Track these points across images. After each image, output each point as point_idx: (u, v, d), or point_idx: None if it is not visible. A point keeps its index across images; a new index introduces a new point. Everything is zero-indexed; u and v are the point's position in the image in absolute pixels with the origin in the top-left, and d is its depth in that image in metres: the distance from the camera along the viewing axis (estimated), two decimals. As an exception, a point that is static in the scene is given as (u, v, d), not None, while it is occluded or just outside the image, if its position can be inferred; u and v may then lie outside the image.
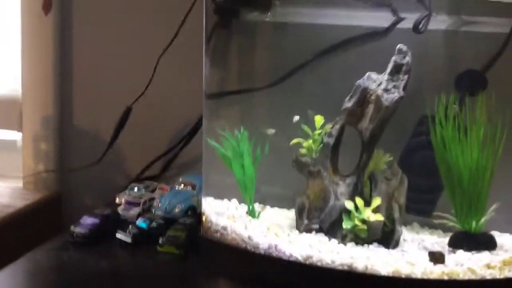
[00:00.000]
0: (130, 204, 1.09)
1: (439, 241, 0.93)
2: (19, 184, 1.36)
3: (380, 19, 1.01)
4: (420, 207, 1.00)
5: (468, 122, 0.87)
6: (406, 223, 1.02)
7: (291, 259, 0.82)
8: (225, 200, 1.06)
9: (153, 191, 1.19)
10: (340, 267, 0.80)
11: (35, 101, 1.32)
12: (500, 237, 0.96)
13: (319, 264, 0.80)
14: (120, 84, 1.28)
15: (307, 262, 0.81)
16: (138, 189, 1.18)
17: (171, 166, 1.29)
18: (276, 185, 1.07)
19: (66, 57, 1.33)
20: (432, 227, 1.00)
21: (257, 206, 1.06)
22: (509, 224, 0.96)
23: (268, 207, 1.07)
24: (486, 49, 0.98)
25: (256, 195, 1.07)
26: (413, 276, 0.78)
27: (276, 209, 1.06)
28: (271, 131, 0.96)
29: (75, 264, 0.86)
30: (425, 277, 0.78)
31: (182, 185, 1.14)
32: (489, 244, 0.89)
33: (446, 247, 0.90)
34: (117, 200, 1.15)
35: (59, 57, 1.32)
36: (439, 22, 0.98)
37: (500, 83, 0.95)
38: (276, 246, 0.83)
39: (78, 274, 0.82)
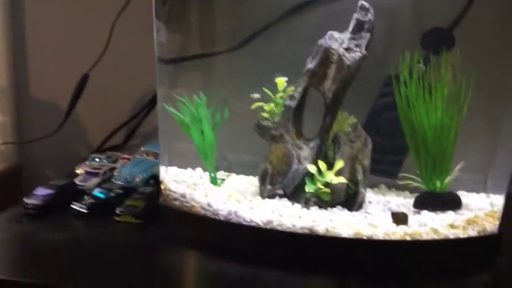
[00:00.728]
0: (89, 174, 1.05)
1: (405, 203, 0.92)
2: (-23, 158, 1.31)
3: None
4: (386, 169, 0.99)
5: (433, 81, 0.85)
6: (373, 185, 1.02)
7: (251, 224, 0.79)
8: (189, 169, 1.03)
9: (115, 161, 1.15)
10: (301, 231, 0.78)
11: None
12: (466, 197, 0.96)
13: (279, 228, 0.78)
14: (76, 51, 1.23)
15: (268, 227, 0.79)
16: (100, 160, 1.15)
17: (134, 135, 1.25)
18: (243, 152, 1.04)
19: (18, 26, 1.27)
20: (400, 188, 0.99)
21: (223, 174, 1.05)
22: (476, 184, 0.96)
23: (234, 174, 1.05)
24: (453, 6, 0.95)
25: (224, 163, 1.06)
26: (375, 237, 0.77)
27: (242, 176, 1.03)
28: (256, 95, 0.92)
29: (27, 236, 0.82)
30: (387, 238, 0.77)
31: (144, 154, 1.11)
32: (454, 204, 0.88)
33: (412, 208, 0.90)
34: (77, 171, 1.10)
35: (11, 26, 1.25)
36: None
37: (466, 41, 0.93)
38: (236, 212, 0.81)
39: (29, 246, 0.79)
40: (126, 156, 1.16)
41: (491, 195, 0.93)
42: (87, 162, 1.14)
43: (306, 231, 0.78)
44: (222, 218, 0.82)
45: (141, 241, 0.83)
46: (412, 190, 0.94)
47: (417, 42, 0.94)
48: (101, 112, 1.25)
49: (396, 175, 0.97)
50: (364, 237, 0.77)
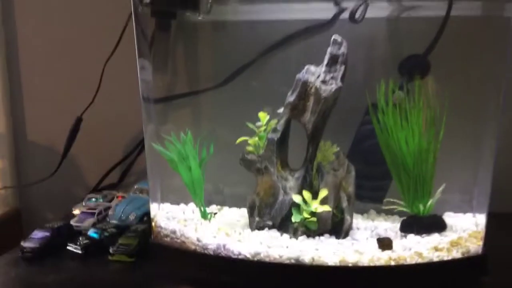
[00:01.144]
0: (85, 214, 1.07)
1: (392, 227, 0.94)
2: (-21, 203, 1.34)
3: (321, 11, 1.02)
4: (372, 194, 1.01)
5: (408, 107, 0.88)
6: (363, 211, 1.04)
7: (239, 257, 0.82)
8: (182, 205, 1.05)
9: (111, 200, 1.18)
10: (288, 261, 0.80)
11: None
12: (452, 218, 0.97)
13: (267, 260, 0.80)
14: (69, 96, 1.28)
15: (255, 259, 0.81)
16: (96, 199, 1.18)
17: (129, 173, 1.28)
18: (237, 184, 1.07)
19: (14, 75, 1.32)
20: (389, 213, 1.01)
21: (215, 208, 1.07)
22: (463, 204, 0.98)
23: (226, 207, 1.07)
24: (427, 33, 0.99)
25: (219, 196, 1.08)
26: (360, 264, 0.79)
27: (234, 209, 1.06)
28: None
29: (23, 280, 0.84)
30: (371, 264, 0.79)
31: (138, 192, 1.14)
32: (438, 226, 0.90)
33: (399, 232, 0.92)
34: (74, 212, 1.14)
35: (7, 76, 1.31)
36: (380, 9, 0.99)
37: (439, 66, 0.96)
38: (224, 246, 0.83)
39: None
40: (121, 194, 1.19)
41: (477, 215, 0.95)
42: (83, 203, 1.17)
43: (293, 261, 0.80)
44: (211, 252, 0.84)
45: (134, 279, 0.84)
46: (400, 214, 0.95)
47: (393, 70, 0.98)
48: (97, 153, 1.29)
49: (381, 200, 1.00)
50: (350, 264, 0.79)
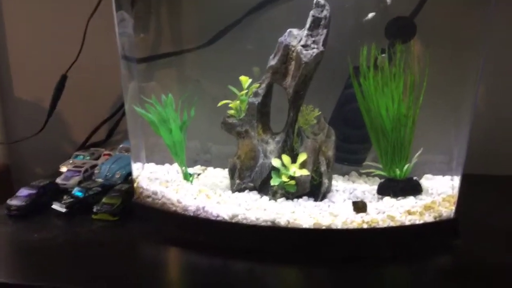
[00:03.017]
0: (71, 172, 1.09)
1: (370, 189, 0.96)
2: (-31, 158, 1.36)
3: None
4: (353, 158, 1.03)
5: (389, 73, 0.88)
6: (344, 173, 1.06)
7: (218, 219, 0.84)
8: (167, 165, 1.07)
9: (97, 158, 1.20)
10: (264, 223, 0.82)
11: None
12: (430, 181, 1.00)
13: (244, 222, 0.83)
14: (54, 53, 1.26)
15: (233, 221, 0.83)
16: (83, 157, 1.19)
17: (116, 131, 1.29)
18: (221, 144, 1.08)
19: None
20: (370, 175, 1.02)
21: (199, 169, 1.09)
22: (443, 166, 0.99)
23: (211, 168, 1.09)
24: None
25: (207, 155, 1.09)
26: (333, 227, 0.81)
27: (218, 169, 1.07)
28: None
29: (8, 238, 0.87)
30: (345, 227, 0.82)
31: (124, 151, 1.15)
32: (413, 190, 0.92)
33: (376, 194, 0.94)
34: (61, 169, 1.15)
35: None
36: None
37: (423, 29, 0.95)
38: (203, 208, 0.85)
39: (9, 248, 0.84)
40: (108, 152, 1.20)
41: (455, 177, 0.97)
42: (70, 160, 1.18)
43: (269, 223, 0.82)
44: (191, 214, 0.86)
45: (116, 238, 0.87)
46: (381, 176, 0.97)
47: (379, 33, 0.97)
48: (84, 110, 1.30)
49: (361, 163, 1.02)
50: (323, 227, 0.82)
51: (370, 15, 0.95)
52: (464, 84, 0.90)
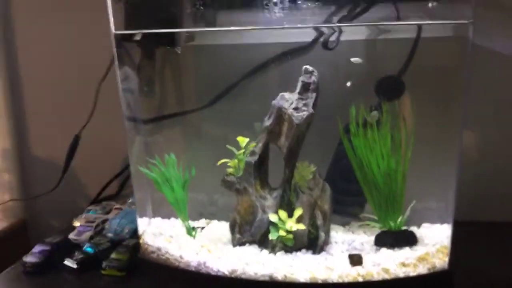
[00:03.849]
0: (83, 227, 1.15)
1: (369, 240, 0.99)
2: (-11, 214, 1.44)
3: (301, 34, 1.07)
4: (350, 210, 1.07)
5: (376, 131, 0.93)
6: (345, 223, 1.09)
7: (218, 274, 0.88)
8: (172, 219, 1.11)
9: (109, 212, 1.25)
10: (262, 278, 0.86)
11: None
12: (428, 229, 1.02)
13: (243, 277, 0.87)
14: (68, 115, 1.35)
15: (233, 276, 0.87)
16: (95, 211, 1.25)
17: (126, 185, 1.35)
18: (227, 197, 1.12)
19: (17, 95, 1.41)
20: (367, 227, 1.06)
21: (204, 222, 1.13)
22: (442, 213, 1.02)
23: (215, 221, 1.13)
24: (402, 55, 1.03)
25: (213, 208, 1.14)
26: (329, 280, 0.84)
27: (223, 222, 1.10)
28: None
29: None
30: (340, 280, 0.85)
31: (133, 206, 1.20)
32: (408, 240, 0.95)
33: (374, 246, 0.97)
34: (74, 224, 1.21)
35: (11, 97, 1.40)
36: (353, 34, 1.03)
37: (412, 87, 1.01)
38: (205, 263, 0.90)
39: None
40: (118, 206, 1.26)
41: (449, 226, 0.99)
42: (83, 215, 1.24)
43: (267, 278, 0.86)
44: (193, 269, 0.91)
45: (124, 293, 0.92)
46: (381, 227, 1.00)
47: (368, 92, 1.03)
48: (96, 167, 1.36)
49: (358, 215, 1.05)
50: (319, 281, 0.85)
51: (355, 60, 1.00)
52: (450, 131, 0.95)
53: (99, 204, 1.31)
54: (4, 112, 1.37)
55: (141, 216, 1.05)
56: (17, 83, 1.40)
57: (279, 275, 0.85)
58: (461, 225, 0.91)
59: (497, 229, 1.13)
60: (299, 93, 0.92)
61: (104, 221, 1.19)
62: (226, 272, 0.88)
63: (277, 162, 0.98)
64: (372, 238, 0.98)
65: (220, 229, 1.08)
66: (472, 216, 1.07)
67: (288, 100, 0.93)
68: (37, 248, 1.03)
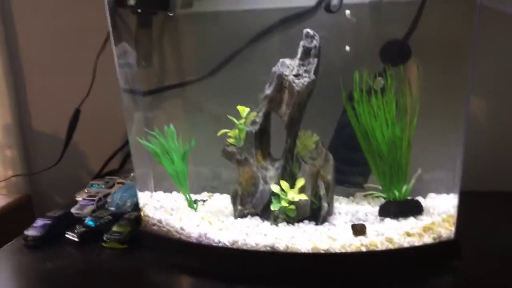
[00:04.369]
0: (85, 201, 1.14)
1: (373, 211, 0.97)
2: (-6, 190, 1.44)
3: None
4: (354, 180, 1.04)
5: (381, 97, 0.90)
6: (348, 195, 1.07)
7: (219, 245, 0.87)
8: (174, 193, 1.11)
9: (112, 186, 1.25)
10: (263, 249, 0.84)
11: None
12: (434, 199, 1.00)
13: (244, 247, 0.85)
14: (69, 88, 1.33)
15: (234, 247, 0.86)
16: (98, 186, 1.24)
17: (129, 160, 1.34)
18: (231, 170, 1.10)
19: (17, 73, 1.39)
20: (371, 197, 1.04)
21: (206, 195, 1.11)
22: (447, 183, 0.99)
23: (218, 194, 1.12)
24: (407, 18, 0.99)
25: (217, 181, 1.12)
26: (332, 250, 0.83)
27: (225, 195, 1.09)
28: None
29: (23, 267, 0.92)
30: (343, 250, 0.83)
31: (134, 180, 1.19)
32: (414, 210, 0.93)
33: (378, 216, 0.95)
34: (77, 198, 1.21)
35: (11, 70, 1.38)
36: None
37: (418, 51, 0.97)
38: (205, 234, 0.88)
39: (25, 277, 0.89)
40: (121, 180, 1.25)
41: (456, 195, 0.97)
42: (86, 189, 1.24)
43: (268, 248, 0.85)
44: (194, 241, 0.90)
45: (125, 265, 0.91)
46: (384, 197, 0.98)
47: (373, 57, 0.99)
48: (98, 141, 1.36)
49: (362, 185, 1.03)
50: (321, 251, 0.83)
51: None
52: (457, 98, 0.91)
53: (102, 179, 1.30)
54: (4, 88, 1.36)
55: (142, 190, 1.04)
56: (16, 58, 1.38)
57: (281, 246, 0.84)
58: (468, 194, 0.89)
59: (504, 198, 1.11)
60: (300, 58, 0.89)
61: (106, 195, 1.18)
62: (227, 243, 0.86)
63: (279, 132, 0.96)
64: (377, 209, 0.96)
65: (222, 202, 1.07)
66: (479, 185, 1.05)
67: (289, 66, 0.90)
68: (39, 222, 1.03)
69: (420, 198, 0.97)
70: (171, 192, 1.10)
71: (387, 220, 0.92)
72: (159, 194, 1.09)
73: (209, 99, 1.09)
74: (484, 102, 1.16)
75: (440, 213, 0.92)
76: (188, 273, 0.87)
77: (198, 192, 1.10)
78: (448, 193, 1.00)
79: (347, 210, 1.00)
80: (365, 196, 1.06)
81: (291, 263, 0.83)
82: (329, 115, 1.03)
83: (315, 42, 0.88)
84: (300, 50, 0.89)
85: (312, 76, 0.88)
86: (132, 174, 1.20)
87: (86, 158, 1.40)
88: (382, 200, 1.00)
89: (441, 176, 1.00)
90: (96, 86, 1.24)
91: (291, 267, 0.84)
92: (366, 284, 0.81)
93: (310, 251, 0.83)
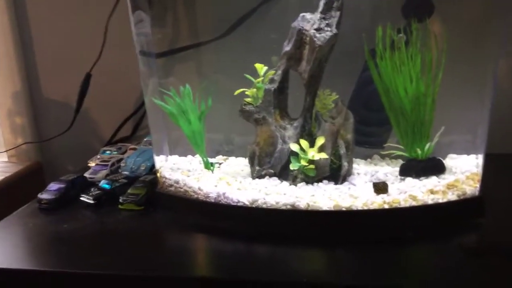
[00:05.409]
0: (98, 166, 1.13)
1: (393, 171, 0.96)
2: (4, 158, 1.42)
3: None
4: (373, 140, 1.02)
5: (405, 51, 0.87)
6: (366, 156, 1.05)
7: (238, 204, 0.85)
8: (189, 156, 1.09)
9: (124, 152, 1.23)
10: (284, 207, 0.83)
11: (3, 79, 1.36)
12: (455, 160, 0.98)
13: (264, 206, 0.84)
14: (79, 52, 1.30)
15: (253, 206, 0.84)
16: (110, 152, 1.23)
17: (141, 126, 1.32)
18: (244, 134, 1.08)
19: (25, 37, 1.36)
20: (393, 158, 1.01)
21: (221, 158, 1.10)
22: (467, 145, 0.97)
23: (233, 158, 1.10)
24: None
25: (230, 146, 1.10)
26: (354, 208, 0.81)
27: (241, 159, 1.08)
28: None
29: (39, 229, 0.90)
30: (365, 208, 0.81)
31: (148, 144, 1.18)
32: (436, 169, 0.91)
33: (399, 176, 0.93)
34: (90, 164, 1.19)
35: (19, 38, 1.35)
36: None
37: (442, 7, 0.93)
38: (224, 194, 0.87)
39: (41, 238, 0.87)
40: (133, 146, 1.24)
41: (480, 156, 0.95)
42: (98, 156, 1.22)
43: (289, 207, 0.83)
44: (212, 200, 0.88)
45: (142, 227, 0.90)
46: (404, 158, 0.96)
47: (395, 12, 0.96)
48: (110, 107, 1.33)
49: (382, 145, 1.01)
50: (343, 209, 0.82)
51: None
52: (485, 60, 0.88)
53: (114, 145, 1.28)
54: (13, 53, 1.33)
55: (157, 154, 1.02)
56: (25, 22, 1.34)
57: (302, 204, 0.82)
58: (490, 156, 0.87)
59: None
60: (321, 12, 0.86)
61: (119, 160, 1.16)
62: (247, 202, 0.85)
63: (297, 91, 0.93)
64: (396, 169, 0.94)
65: (238, 164, 1.06)
66: (502, 148, 1.02)
67: (309, 20, 0.87)
68: (53, 186, 1.01)
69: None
70: (186, 156, 1.09)
71: (408, 179, 0.90)
72: (175, 157, 1.07)
73: (225, 60, 1.06)
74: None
75: (463, 171, 0.90)
76: (206, 233, 0.86)
77: (212, 155, 1.08)
78: (468, 154, 0.98)
79: (365, 170, 0.98)
80: (383, 157, 1.04)
81: (313, 221, 0.82)
82: (348, 73, 1.00)
83: (338, -6, 0.85)
84: (321, 3, 0.86)
85: (335, 30, 0.85)
86: (145, 139, 1.18)
87: (97, 125, 1.38)
88: (401, 162, 0.98)
89: (460, 137, 0.98)
90: (107, 49, 1.20)
91: (313, 225, 0.82)
92: (390, 242, 0.79)
93: (332, 209, 0.81)
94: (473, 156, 0.97)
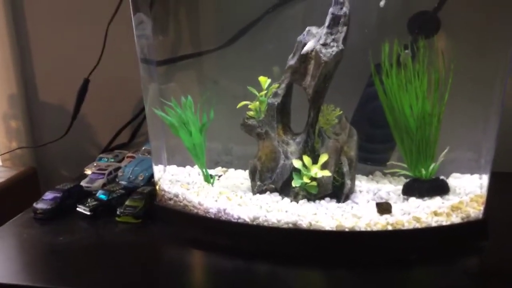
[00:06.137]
0: (95, 175, 1.11)
1: (395, 190, 0.94)
2: (-2, 162, 1.40)
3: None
4: (376, 157, 1.01)
5: (412, 69, 0.86)
6: (368, 173, 1.04)
7: (239, 221, 0.83)
8: (188, 167, 1.07)
9: (121, 160, 1.21)
10: (286, 226, 0.81)
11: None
12: (458, 179, 0.97)
13: (265, 224, 0.82)
14: (77, 58, 1.28)
15: (254, 223, 0.82)
16: (107, 159, 1.21)
17: (139, 133, 1.30)
18: (243, 146, 1.07)
19: (23, 40, 1.34)
20: (395, 175, 1.00)
21: (220, 170, 1.08)
22: (471, 164, 0.96)
23: (232, 169, 1.09)
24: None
25: (228, 157, 1.09)
26: (357, 228, 0.80)
27: (240, 171, 1.07)
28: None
29: (33, 241, 0.88)
30: (368, 229, 0.80)
31: (146, 153, 1.16)
32: (440, 189, 0.89)
33: (401, 195, 0.91)
34: (86, 172, 1.17)
35: (17, 41, 1.33)
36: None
37: (449, 25, 0.92)
38: (224, 210, 0.85)
39: (34, 251, 0.85)
40: (131, 154, 1.21)
41: (484, 176, 0.93)
42: (95, 163, 1.20)
43: (291, 225, 0.81)
44: (212, 216, 0.86)
45: (139, 240, 0.88)
46: (406, 176, 0.94)
47: (401, 28, 0.94)
48: (107, 113, 1.31)
49: (385, 163, 0.99)
50: (346, 229, 0.80)
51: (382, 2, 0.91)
52: (492, 79, 0.87)
53: (111, 152, 1.26)
54: (9, 55, 1.31)
55: (156, 164, 1.00)
56: (23, 24, 1.32)
57: (304, 223, 0.80)
58: (494, 175, 0.86)
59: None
60: (328, 26, 0.84)
61: (116, 169, 1.14)
62: (247, 219, 0.83)
63: (299, 105, 0.92)
64: (398, 187, 0.93)
65: (238, 177, 1.04)
66: (507, 167, 1.01)
67: (315, 35, 0.86)
68: (48, 195, 0.99)
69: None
70: (184, 166, 1.07)
71: (412, 199, 0.89)
72: (173, 168, 1.05)
73: (227, 71, 1.04)
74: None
75: (467, 193, 0.89)
76: (205, 249, 0.84)
77: (211, 166, 1.06)
78: (471, 173, 0.97)
79: (368, 188, 0.96)
80: (385, 174, 1.03)
81: (315, 241, 0.80)
82: (352, 88, 0.99)
83: (345, 9, 0.83)
84: (328, 18, 0.84)
85: (341, 46, 0.84)
86: (143, 148, 1.17)
87: (94, 131, 1.36)
88: (403, 179, 0.98)
89: (465, 156, 0.97)
90: (106, 55, 1.18)
91: (315, 245, 0.80)
92: (393, 263, 0.78)
93: (335, 229, 0.80)
94: (476, 176, 0.96)
